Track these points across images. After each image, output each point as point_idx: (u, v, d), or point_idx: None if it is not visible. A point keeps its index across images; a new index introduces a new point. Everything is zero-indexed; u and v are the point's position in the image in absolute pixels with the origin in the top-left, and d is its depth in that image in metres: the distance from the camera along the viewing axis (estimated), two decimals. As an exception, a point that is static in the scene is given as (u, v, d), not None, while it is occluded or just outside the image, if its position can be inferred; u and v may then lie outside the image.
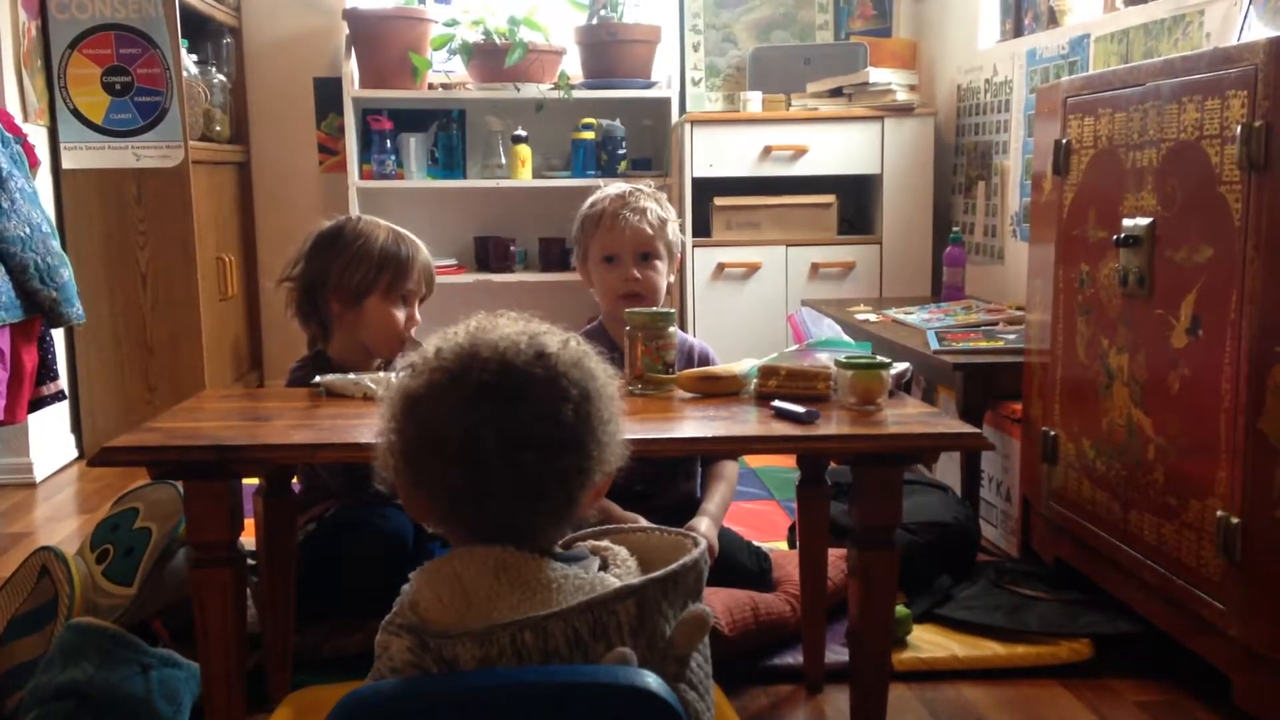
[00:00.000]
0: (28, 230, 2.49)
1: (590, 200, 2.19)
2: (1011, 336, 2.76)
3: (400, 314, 2.07)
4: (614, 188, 2.18)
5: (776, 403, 1.60)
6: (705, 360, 2.18)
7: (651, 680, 0.94)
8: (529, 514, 1.04)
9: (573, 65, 4.20)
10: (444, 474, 1.03)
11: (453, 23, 4.10)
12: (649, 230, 2.11)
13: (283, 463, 1.64)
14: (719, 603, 1.94)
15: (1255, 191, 1.66)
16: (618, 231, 2.11)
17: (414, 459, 1.04)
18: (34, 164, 2.81)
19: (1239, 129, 1.67)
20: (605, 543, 1.14)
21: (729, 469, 2.20)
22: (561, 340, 1.07)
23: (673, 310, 1.83)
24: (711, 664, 1.11)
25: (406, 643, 0.98)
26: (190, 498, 1.46)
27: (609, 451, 1.07)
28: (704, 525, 2.04)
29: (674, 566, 1.04)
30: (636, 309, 1.81)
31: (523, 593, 0.99)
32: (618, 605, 1.00)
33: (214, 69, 4.02)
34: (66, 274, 2.59)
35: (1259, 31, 2.25)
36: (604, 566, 1.09)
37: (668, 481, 2.14)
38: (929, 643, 2.04)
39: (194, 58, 3.83)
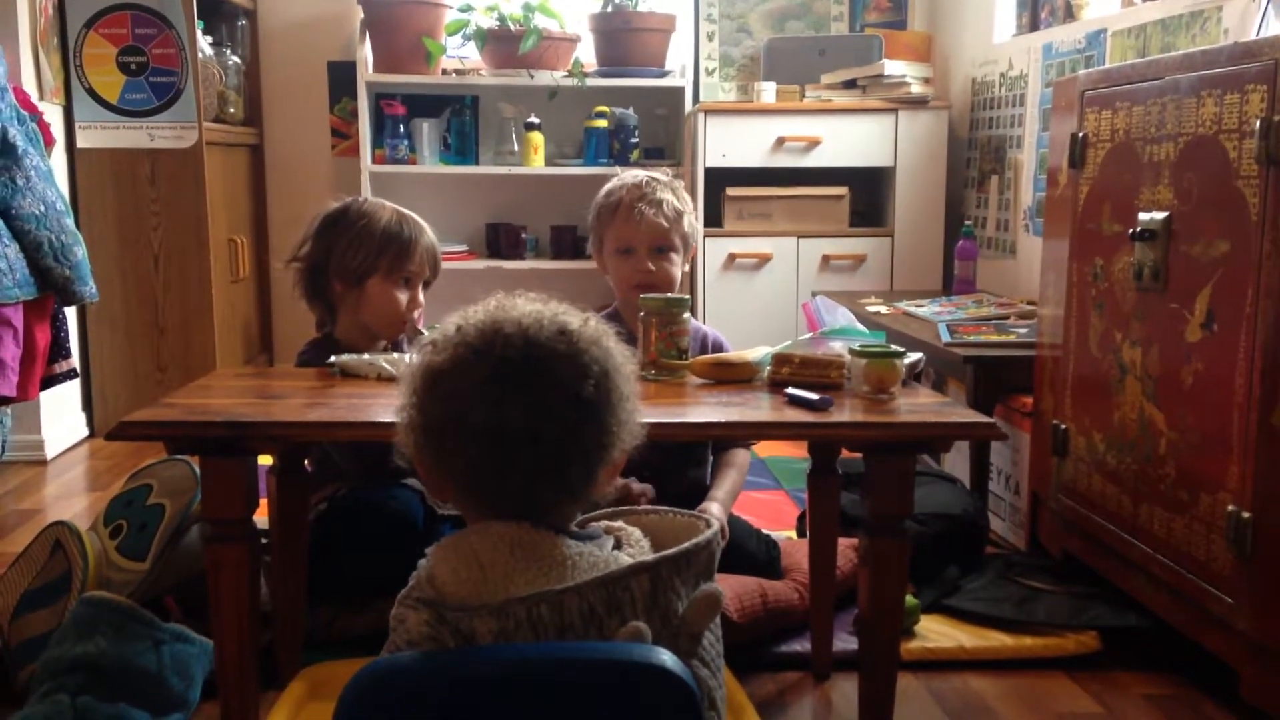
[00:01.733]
0: (42, 208, 2.49)
1: (606, 189, 2.18)
2: (1023, 330, 2.76)
3: (402, 296, 2.06)
4: (630, 176, 2.17)
5: (790, 390, 1.61)
6: (719, 348, 2.18)
7: (667, 658, 0.95)
8: (549, 490, 1.05)
9: (587, 53, 4.19)
10: (466, 449, 1.04)
11: (467, 8, 4.10)
12: (664, 224, 2.11)
13: (299, 440, 1.65)
14: (728, 590, 1.94)
15: (1273, 186, 1.66)
16: (633, 224, 2.10)
17: (436, 434, 1.05)
18: (49, 142, 2.81)
19: (1258, 124, 1.67)
20: (619, 523, 1.15)
21: (740, 457, 2.20)
22: (582, 318, 1.09)
23: (686, 296, 1.84)
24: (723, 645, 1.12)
25: (424, 616, 0.99)
26: (206, 474, 1.46)
27: (627, 429, 1.09)
28: (714, 510, 2.04)
29: (687, 545, 1.06)
30: (651, 295, 1.81)
31: (538, 568, 1.01)
32: (631, 581, 1.01)
33: (229, 51, 4.02)
34: (80, 252, 2.59)
35: (1277, 27, 2.25)
36: (618, 546, 1.10)
37: (679, 468, 2.15)
38: (936, 633, 2.04)
39: (209, 39, 3.84)
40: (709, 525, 1.12)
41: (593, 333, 1.08)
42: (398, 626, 1.01)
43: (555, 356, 1.04)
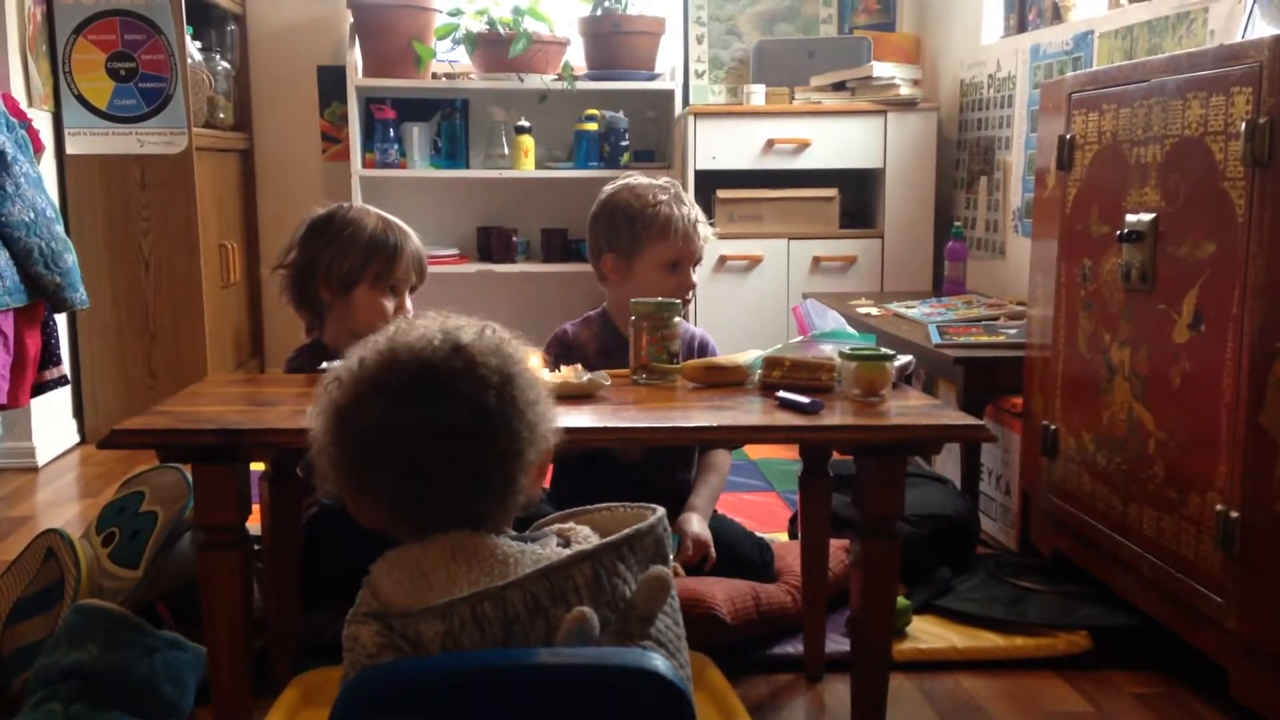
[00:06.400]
0: (32, 215, 2.49)
1: (639, 196, 2.13)
2: (1012, 331, 2.77)
3: (389, 304, 2.05)
4: (653, 183, 2.16)
5: (781, 393, 1.61)
6: (705, 348, 2.19)
7: (659, 662, 0.96)
8: (472, 501, 1.07)
9: (576, 56, 4.20)
10: (383, 479, 1.06)
11: (457, 12, 4.10)
12: (705, 241, 2.16)
13: (291, 447, 1.64)
14: (721, 592, 1.95)
15: (1259, 187, 1.67)
16: (692, 244, 2.13)
17: (353, 469, 1.08)
18: (38, 149, 2.81)
19: (1243, 125, 1.68)
20: (569, 524, 1.18)
21: (720, 459, 2.22)
22: (477, 330, 1.10)
23: (677, 301, 1.84)
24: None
25: (374, 628, 1.01)
26: (199, 481, 1.46)
27: (539, 430, 1.11)
28: (694, 522, 2.05)
29: (627, 531, 1.08)
30: (642, 299, 1.81)
31: (481, 569, 1.03)
32: (573, 570, 1.03)
33: (218, 56, 4.02)
34: (70, 259, 2.60)
35: (1262, 29, 2.26)
36: (566, 545, 1.12)
37: (667, 470, 2.16)
38: (928, 634, 2.05)
39: (198, 44, 3.84)
40: (654, 512, 1.14)
41: (489, 343, 1.10)
42: (353, 646, 1.02)
43: (451, 374, 1.06)
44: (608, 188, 2.20)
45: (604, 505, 1.21)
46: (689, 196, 2.19)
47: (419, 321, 1.11)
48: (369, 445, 1.06)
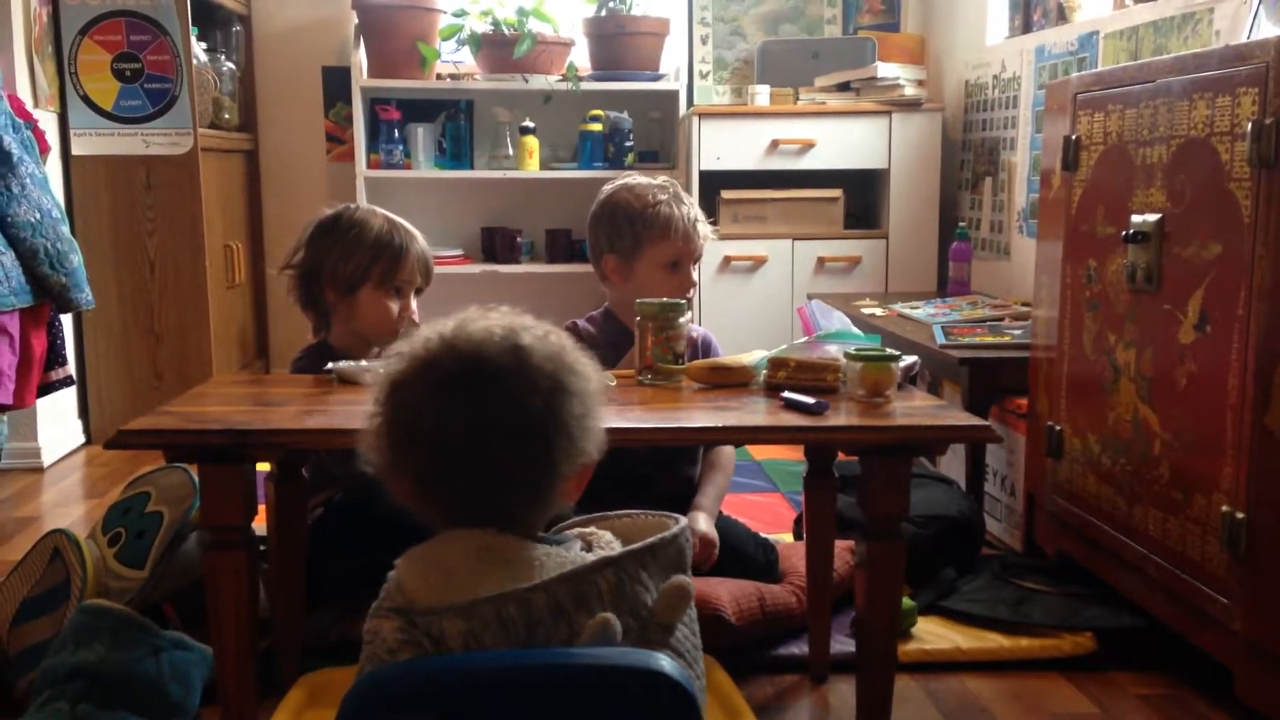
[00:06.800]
0: (38, 215, 2.50)
1: (636, 192, 2.14)
2: (1017, 332, 2.77)
3: (394, 305, 2.05)
4: (657, 184, 2.16)
5: (786, 394, 1.61)
6: (708, 347, 2.20)
7: (665, 663, 0.96)
8: (496, 499, 1.07)
9: (581, 57, 4.20)
10: (414, 457, 1.07)
11: (461, 13, 4.11)
12: (705, 239, 2.16)
13: (297, 448, 1.65)
14: (726, 593, 1.95)
15: (1265, 188, 1.67)
16: (692, 243, 2.13)
17: (391, 442, 1.09)
18: (44, 150, 2.81)
19: (1249, 126, 1.68)
20: (591, 529, 1.18)
21: (725, 456, 2.22)
22: (541, 333, 1.10)
23: (682, 301, 1.84)
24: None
25: (396, 623, 1.01)
26: (205, 481, 1.47)
27: (580, 444, 1.10)
28: (701, 522, 2.05)
29: (651, 540, 1.09)
30: (647, 300, 1.81)
31: (505, 570, 1.03)
32: (597, 575, 1.04)
33: (223, 57, 4.03)
34: (76, 260, 2.60)
35: (1268, 30, 2.26)
36: (588, 549, 1.12)
37: (672, 466, 2.17)
38: (933, 634, 2.05)
39: (203, 45, 3.84)
40: (677, 522, 1.14)
41: (550, 348, 1.09)
42: (373, 639, 1.03)
43: (502, 370, 1.06)
44: (606, 188, 2.20)
45: (626, 512, 1.22)
46: (688, 195, 2.19)
47: (491, 314, 1.11)
48: (407, 422, 1.07)
